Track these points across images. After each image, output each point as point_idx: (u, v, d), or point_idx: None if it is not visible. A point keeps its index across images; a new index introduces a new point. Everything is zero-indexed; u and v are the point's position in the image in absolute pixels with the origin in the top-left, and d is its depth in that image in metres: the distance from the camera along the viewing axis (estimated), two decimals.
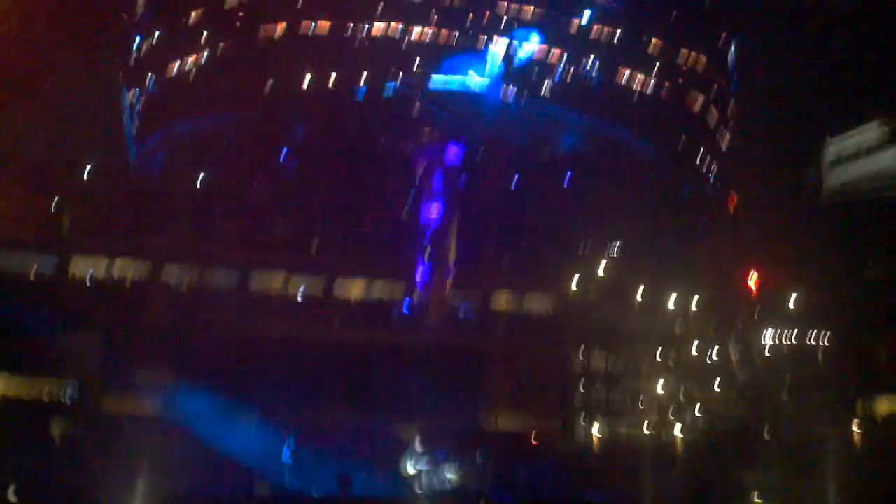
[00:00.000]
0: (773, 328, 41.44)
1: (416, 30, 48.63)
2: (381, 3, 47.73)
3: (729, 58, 47.65)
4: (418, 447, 27.47)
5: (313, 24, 46.46)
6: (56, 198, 38.53)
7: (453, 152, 42.17)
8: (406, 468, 27.02)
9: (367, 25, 47.75)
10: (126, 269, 39.32)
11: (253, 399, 32.31)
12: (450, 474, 27.34)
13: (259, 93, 44.73)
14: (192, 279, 39.95)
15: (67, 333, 32.51)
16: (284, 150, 44.96)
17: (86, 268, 38.72)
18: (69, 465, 27.24)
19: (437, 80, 48.66)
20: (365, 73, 47.79)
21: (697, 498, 26.25)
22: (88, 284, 37.91)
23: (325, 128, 45.17)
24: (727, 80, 47.69)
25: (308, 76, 46.76)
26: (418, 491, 25.86)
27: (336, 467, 29.17)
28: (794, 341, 42.23)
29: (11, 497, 21.28)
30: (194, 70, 44.31)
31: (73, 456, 28.41)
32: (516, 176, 46.54)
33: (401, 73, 48.38)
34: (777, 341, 42.04)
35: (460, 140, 42.70)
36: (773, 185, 41.31)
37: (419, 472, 26.89)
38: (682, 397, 43.73)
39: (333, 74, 47.19)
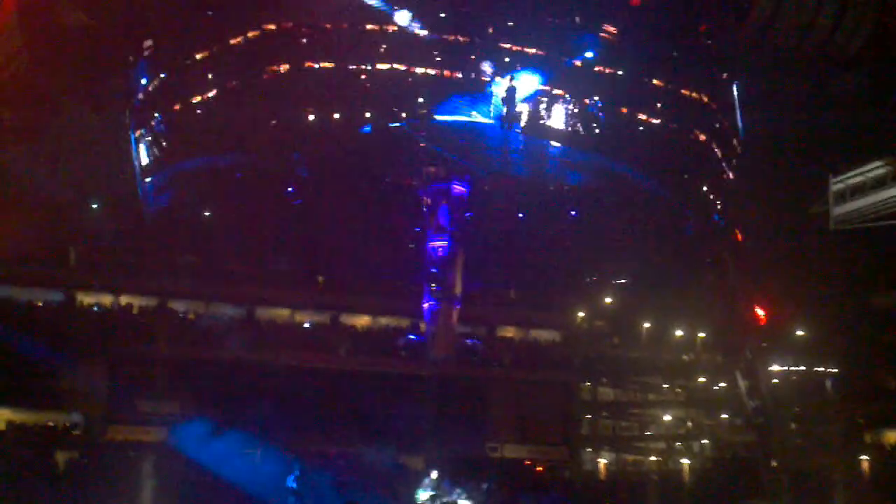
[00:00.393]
0: (780, 358, 41.24)
1: (420, 70, 49.47)
2: (386, 45, 48.67)
3: (733, 95, 48.11)
4: (431, 476, 27.58)
5: (317, 65, 47.37)
6: (64, 233, 38.79)
7: (458, 188, 42.49)
8: (418, 497, 27.08)
9: (372, 66, 48.62)
10: (132, 301, 39.58)
11: (258, 427, 32.26)
12: (458, 502, 27.37)
13: (264, 131, 45.41)
14: (199, 311, 40.17)
15: (73, 365, 32.59)
16: (290, 187, 45.44)
17: (92, 301, 38.99)
18: (74, 493, 27.29)
19: (442, 119, 49.40)
20: (370, 113, 48.57)
21: None
22: (95, 317, 38.04)
23: (331, 165, 45.72)
24: (732, 117, 48.10)
25: (313, 115, 47.52)
26: None
27: (340, 495, 29.19)
28: (801, 371, 42.00)
29: None
30: (200, 109, 45.02)
31: (79, 483, 28.43)
32: (521, 211, 46.96)
33: (405, 113, 49.13)
34: (785, 371, 41.82)
35: (465, 177, 43.06)
36: (779, 218, 41.41)
37: (431, 500, 26.93)
38: (689, 426, 43.49)
39: (338, 114, 48.00)
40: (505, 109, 49.15)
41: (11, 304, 37.09)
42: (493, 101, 49.55)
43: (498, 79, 49.36)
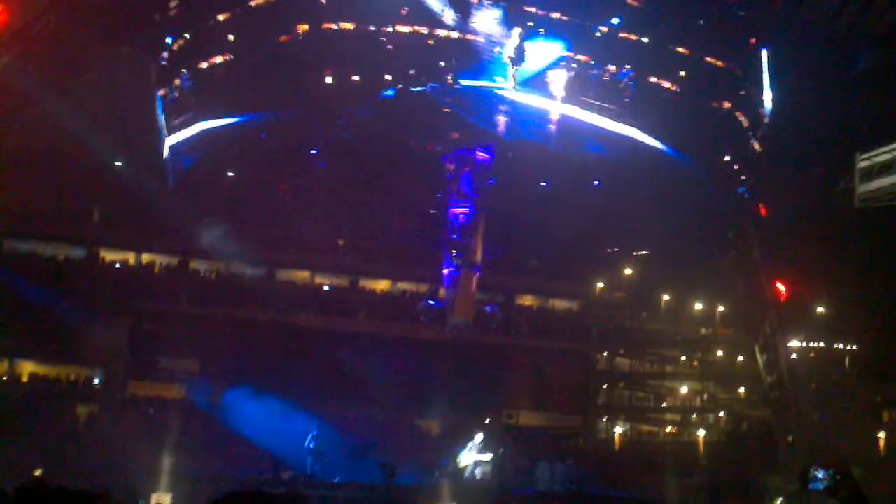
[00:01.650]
0: (800, 334, 41.13)
1: (443, 33, 48.89)
2: (410, 8, 48.04)
3: (760, 69, 47.38)
4: (475, 439, 27.73)
5: (336, 25, 46.79)
6: (88, 191, 39.01)
7: (481, 155, 42.29)
8: (461, 459, 27.24)
9: (396, 28, 48.06)
10: (154, 259, 39.88)
11: (277, 387, 32.51)
12: (473, 467, 27.51)
13: (288, 92, 45.15)
14: (220, 271, 40.40)
15: (96, 320, 32.87)
16: (314, 149, 45.31)
17: (115, 258, 39.29)
18: (94, 446, 27.60)
19: (466, 84, 48.93)
20: (395, 77, 48.12)
21: (712, 498, 26.17)
22: (117, 274, 38.36)
23: (355, 129, 45.51)
24: (759, 91, 47.44)
25: (337, 78, 47.11)
26: (445, 481, 25.96)
27: (357, 456, 29.41)
28: (820, 347, 41.90)
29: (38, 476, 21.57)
30: (226, 67, 44.78)
31: (99, 438, 28.74)
32: (544, 180, 46.68)
33: (428, 77, 48.67)
34: (804, 347, 41.72)
35: (488, 144, 42.83)
36: (804, 194, 41.05)
37: (473, 465, 27.08)
38: (705, 399, 43.56)
39: (362, 77, 47.58)
40: (530, 75, 48.51)
41: (35, 260, 37.51)
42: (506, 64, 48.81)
43: (524, 44, 48.65)
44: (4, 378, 35.62)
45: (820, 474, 4.16)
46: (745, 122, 48.26)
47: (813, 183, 38.97)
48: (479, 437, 27.76)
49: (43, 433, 28.00)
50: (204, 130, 41.31)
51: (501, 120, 47.78)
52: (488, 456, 27.25)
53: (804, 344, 42.01)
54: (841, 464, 4.47)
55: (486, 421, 33.14)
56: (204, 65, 44.73)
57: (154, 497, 13.07)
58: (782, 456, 36.20)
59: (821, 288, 40.95)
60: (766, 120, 46.31)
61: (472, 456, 27.15)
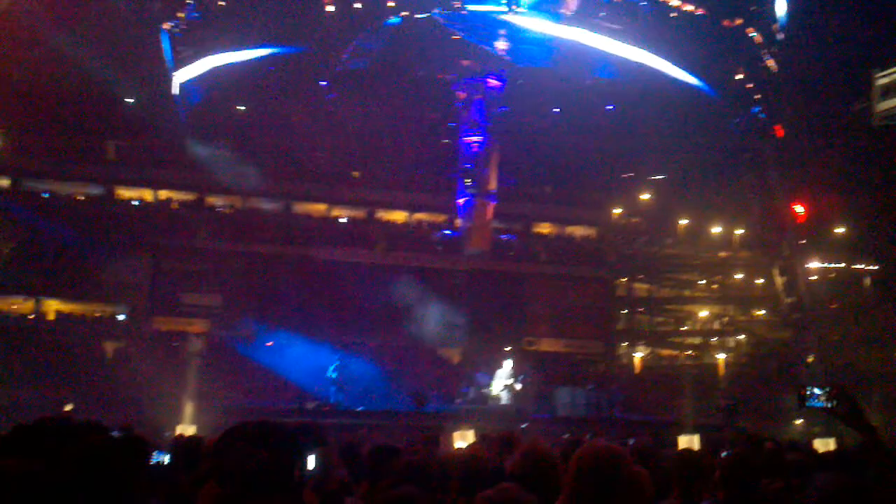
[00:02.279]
0: (819, 255, 40.97)
1: None
2: None
3: None
4: (504, 365, 27.97)
5: None
6: (101, 128, 39.04)
7: (493, 82, 41.77)
8: (492, 386, 27.54)
9: None
10: (171, 196, 40.07)
11: (299, 320, 32.86)
12: (493, 394, 27.83)
13: (291, 25, 44.33)
14: (236, 205, 40.56)
15: (117, 258, 33.17)
16: (324, 81, 44.84)
17: (132, 195, 39.50)
18: (122, 382, 28.07)
19: (474, 9, 47.98)
20: (394, 2, 47.10)
21: (728, 418, 26.38)
22: (135, 211, 38.59)
23: (363, 59, 44.89)
24: (771, 5, 46.28)
25: (339, 6, 46.11)
26: (468, 408, 26.32)
27: (377, 385, 29.82)
28: (840, 268, 41.77)
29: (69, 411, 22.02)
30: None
31: (126, 372, 29.22)
32: (557, 106, 46.12)
33: (436, 2, 47.72)
34: (823, 268, 41.61)
35: (500, 70, 42.24)
36: (821, 113, 40.42)
37: (503, 389, 27.34)
38: (724, 322, 43.72)
39: (364, 3, 46.54)
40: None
41: (54, 199, 37.78)
42: None
43: None
44: (32, 316, 36.28)
45: (817, 391, 4.19)
46: (758, 39, 47.17)
47: (830, 101, 38.40)
48: (508, 363, 27.99)
49: (72, 369, 28.49)
50: (214, 67, 40.90)
51: (511, 46, 47.03)
52: (518, 385, 27.50)
53: (824, 265, 41.86)
54: (837, 381, 4.52)
55: (507, 348, 33.35)
56: None
57: (178, 429, 13.33)
58: (801, 376, 36.38)
59: (840, 208, 40.63)
60: (780, 36, 45.33)
61: (503, 383, 27.43)
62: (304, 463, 2.97)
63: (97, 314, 36.60)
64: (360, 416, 25.64)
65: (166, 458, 6.08)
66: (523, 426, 21.77)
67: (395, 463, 5.26)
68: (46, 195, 37.97)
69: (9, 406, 18.81)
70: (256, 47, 42.33)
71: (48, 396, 22.70)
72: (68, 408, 22.51)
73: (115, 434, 6.57)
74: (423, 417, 22.67)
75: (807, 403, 4.22)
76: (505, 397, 27.41)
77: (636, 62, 44.82)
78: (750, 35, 46.96)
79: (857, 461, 5.84)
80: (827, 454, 10.07)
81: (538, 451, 4.95)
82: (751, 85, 47.45)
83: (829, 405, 4.13)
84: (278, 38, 43.33)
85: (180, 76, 40.04)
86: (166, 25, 40.19)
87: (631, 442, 9.55)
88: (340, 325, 33.45)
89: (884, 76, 31.24)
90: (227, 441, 2.83)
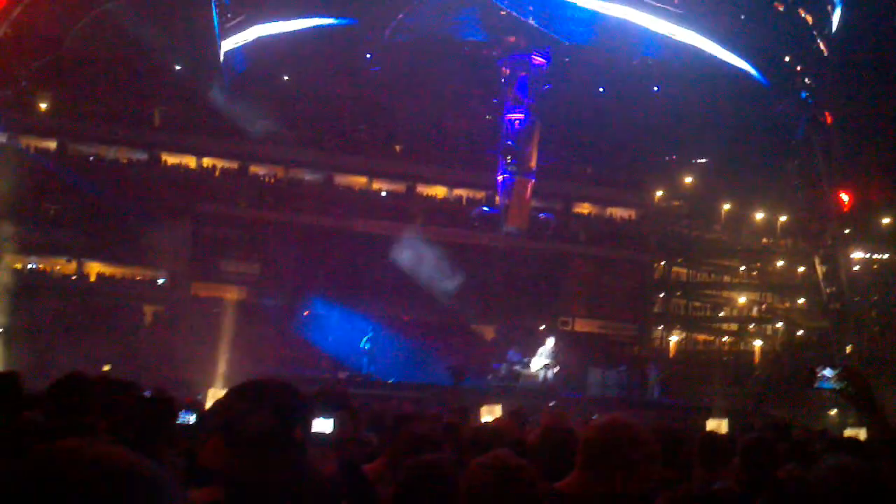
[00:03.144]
0: (862, 245, 40.35)
1: None
2: None
3: None
4: (547, 344, 27.92)
5: None
6: (149, 94, 39.50)
7: (538, 59, 41.41)
8: (533, 364, 27.54)
9: None
10: (215, 163, 40.49)
11: (336, 291, 33.13)
12: (545, 371, 27.73)
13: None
14: (278, 175, 40.89)
15: (159, 223, 33.58)
16: (368, 54, 44.81)
17: (176, 161, 39.97)
18: (160, 344, 28.56)
19: None
20: None
21: (757, 405, 26.21)
22: (179, 177, 39.01)
23: (407, 33, 44.72)
24: None
25: None
26: (499, 384, 26.37)
27: (410, 358, 29.98)
28: (883, 259, 41.12)
29: (106, 371, 22.45)
30: None
31: (164, 336, 29.72)
32: (601, 85, 45.65)
33: None
34: (866, 258, 40.99)
35: (545, 48, 41.85)
36: (871, 100, 39.65)
37: (543, 368, 27.32)
38: (763, 309, 43.30)
39: None
40: None
41: (99, 162, 38.36)
42: None
43: None
44: (74, 277, 37.00)
45: (828, 373, 4.17)
46: (810, 20, 46.16)
47: (881, 89, 37.64)
48: (550, 341, 27.89)
49: (111, 331, 29.00)
50: (259, 37, 41.04)
51: (559, 23, 46.55)
52: (556, 366, 27.39)
53: (868, 256, 41.25)
54: (849, 364, 4.49)
55: (542, 327, 33.35)
56: None
57: (210, 392, 13.57)
58: (839, 364, 35.93)
59: (885, 198, 39.95)
60: (834, 18, 44.40)
61: (542, 361, 27.37)
62: (307, 424, 3.02)
63: (138, 278, 37.24)
64: (392, 387, 25.84)
65: (192, 418, 6.23)
66: (551, 404, 21.81)
67: (406, 431, 5.33)
68: (91, 158, 38.57)
69: (49, 364, 19.19)
70: (304, 17, 42.41)
71: (88, 356, 23.11)
72: (106, 368, 22.98)
73: (147, 394, 6.76)
74: (454, 392, 22.76)
75: (815, 385, 4.20)
76: (543, 375, 27.30)
77: (684, 43, 44.18)
78: (802, 16, 46.06)
79: (868, 446, 5.81)
80: (841, 439, 9.98)
81: (557, 427, 4.98)
82: (800, 68, 46.62)
83: (839, 386, 4.11)
84: (325, 7, 43.38)
85: (227, 44, 40.27)
86: None
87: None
88: (375, 297, 33.61)
89: None
90: (229, 399, 2.91)
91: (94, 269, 37.29)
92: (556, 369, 27.13)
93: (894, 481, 3.12)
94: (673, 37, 43.18)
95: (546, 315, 36.33)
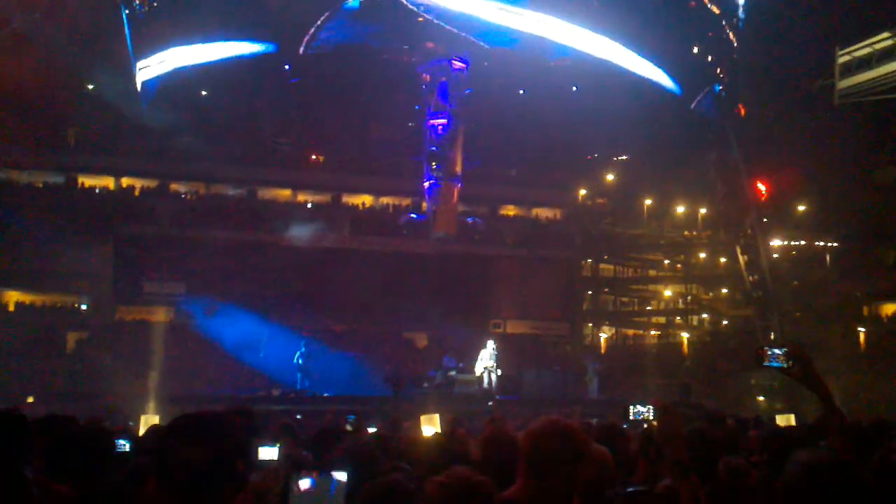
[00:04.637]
0: (781, 233, 41.44)
1: None
2: None
3: None
4: (488, 347, 27.80)
5: None
6: (61, 115, 38.43)
7: (458, 64, 41.60)
8: (476, 368, 27.39)
9: None
10: (134, 183, 39.64)
11: (265, 306, 32.70)
12: (487, 375, 27.68)
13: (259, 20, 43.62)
14: (199, 192, 40.22)
15: (78, 247, 32.66)
16: (287, 65, 44.43)
17: (94, 183, 39.00)
18: (85, 373, 27.81)
19: None
20: None
21: (682, 394, 26.62)
22: (97, 199, 38.12)
23: (323, 46, 44.42)
24: None
25: None
26: (435, 392, 26.29)
27: (345, 371, 29.71)
28: (801, 245, 42.28)
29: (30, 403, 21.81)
30: None
31: (88, 363, 28.94)
32: (521, 87, 46.02)
33: None
34: (785, 245, 42.11)
35: (464, 52, 42.07)
36: (783, 92, 40.72)
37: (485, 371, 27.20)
38: (688, 301, 44.15)
39: None
40: None
41: (13, 187, 37.13)
42: None
43: None
44: None
45: (777, 351, 4.29)
46: (717, 10, 47.09)
47: (793, 79, 38.65)
48: (490, 344, 27.79)
49: (34, 361, 28.13)
50: (176, 69, 40.33)
51: (477, 28, 46.77)
52: (497, 368, 27.29)
53: (786, 243, 42.35)
54: (794, 343, 4.61)
55: (475, 332, 33.39)
56: None
57: (143, 419, 13.24)
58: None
59: (801, 186, 41.03)
60: (740, 9, 45.47)
61: (483, 364, 27.30)
62: (248, 455, 2.95)
63: (59, 304, 36.15)
64: (327, 401, 25.56)
65: (128, 446, 6.08)
66: (489, 403, 21.86)
67: (336, 447, 5.28)
68: (3, 183, 37.30)
69: None
70: (221, 40, 41.80)
71: (10, 388, 22.39)
72: (30, 400, 22.29)
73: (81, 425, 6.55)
74: (389, 402, 22.60)
75: (765, 363, 4.31)
76: (487, 379, 27.26)
77: (598, 58, 44.59)
78: (708, 6, 47.07)
79: (815, 431, 5.93)
80: (787, 428, 10.23)
81: (498, 437, 4.98)
82: (710, 58, 47.64)
83: (786, 365, 4.23)
84: (240, 29, 42.71)
85: (142, 75, 39.41)
86: (127, 11, 39.56)
87: (594, 421, 9.63)
88: (306, 310, 33.30)
89: (845, 54, 31.43)
90: (166, 441, 2.80)
91: (13, 297, 36.08)
92: (498, 372, 27.17)
93: (869, 477, 3.16)
94: (588, 52, 43.75)
95: (478, 319, 36.45)
